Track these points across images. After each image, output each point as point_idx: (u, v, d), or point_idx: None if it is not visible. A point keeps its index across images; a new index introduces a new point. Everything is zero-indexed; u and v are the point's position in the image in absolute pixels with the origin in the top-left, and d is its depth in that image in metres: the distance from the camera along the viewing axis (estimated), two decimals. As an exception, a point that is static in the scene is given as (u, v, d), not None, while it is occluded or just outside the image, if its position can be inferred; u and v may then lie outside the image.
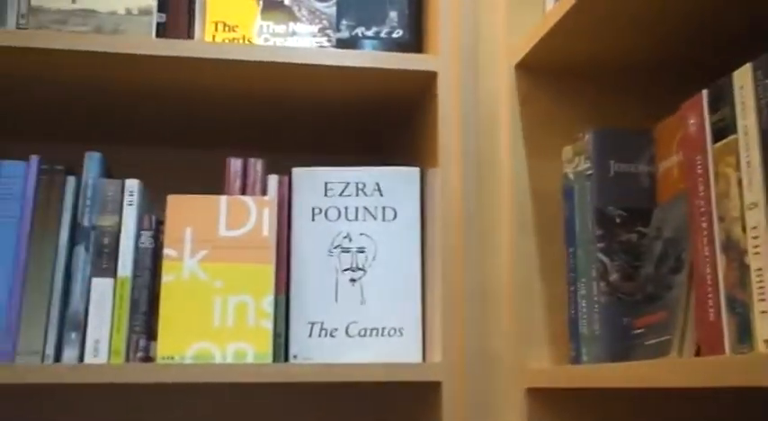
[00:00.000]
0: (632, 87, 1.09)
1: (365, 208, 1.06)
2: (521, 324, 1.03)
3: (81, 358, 0.96)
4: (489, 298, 1.05)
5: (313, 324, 1.02)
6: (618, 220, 0.94)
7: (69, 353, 0.97)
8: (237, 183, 1.05)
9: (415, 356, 1.02)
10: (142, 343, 0.99)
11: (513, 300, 1.04)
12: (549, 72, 1.08)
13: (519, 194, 1.06)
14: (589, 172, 0.96)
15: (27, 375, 0.91)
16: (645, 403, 1.04)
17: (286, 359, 1.01)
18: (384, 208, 1.06)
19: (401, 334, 1.02)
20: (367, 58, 1.03)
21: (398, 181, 1.07)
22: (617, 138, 0.96)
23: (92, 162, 1.02)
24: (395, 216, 1.06)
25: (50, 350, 0.96)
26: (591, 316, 0.95)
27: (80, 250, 1.00)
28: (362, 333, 1.02)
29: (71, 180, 1.02)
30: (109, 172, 1.07)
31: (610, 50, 1.01)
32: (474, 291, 1.02)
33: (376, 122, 1.22)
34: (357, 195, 1.06)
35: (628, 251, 0.93)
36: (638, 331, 0.89)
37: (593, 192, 0.95)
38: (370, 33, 1.10)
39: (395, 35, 1.11)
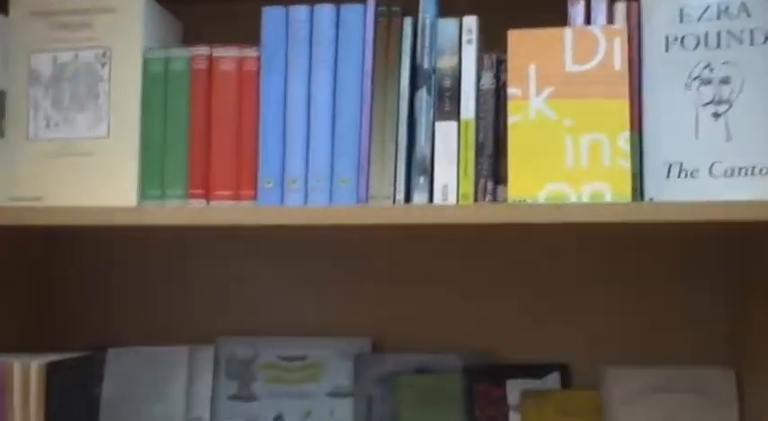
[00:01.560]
0: None
1: (729, 32, 0.93)
2: None
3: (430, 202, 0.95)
4: None
5: (671, 164, 0.93)
6: None
7: (419, 198, 0.96)
8: (580, 14, 0.96)
9: (791, 198, 0.90)
10: (490, 186, 0.95)
11: None
12: None
13: None
14: None
15: (380, 215, 0.91)
16: None
17: (642, 200, 0.93)
18: (752, 31, 0.92)
19: (774, 173, 0.90)
20: None
21: (770, -2, 0.92)
22: None
23: (427, 1, 0.98)
24: (765, 39, 0.92)
25: (400, 195, 0.96)
26: None
27: (422, 93, 0.97)
28: (728, 173, 0.91)
29: (408, 21, 0.99)
30: (443, 14, 1.03)
31: None
32: None
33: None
34: (719, 18, 0.93)
35: None
36: None
37: None
38: None
39: None
